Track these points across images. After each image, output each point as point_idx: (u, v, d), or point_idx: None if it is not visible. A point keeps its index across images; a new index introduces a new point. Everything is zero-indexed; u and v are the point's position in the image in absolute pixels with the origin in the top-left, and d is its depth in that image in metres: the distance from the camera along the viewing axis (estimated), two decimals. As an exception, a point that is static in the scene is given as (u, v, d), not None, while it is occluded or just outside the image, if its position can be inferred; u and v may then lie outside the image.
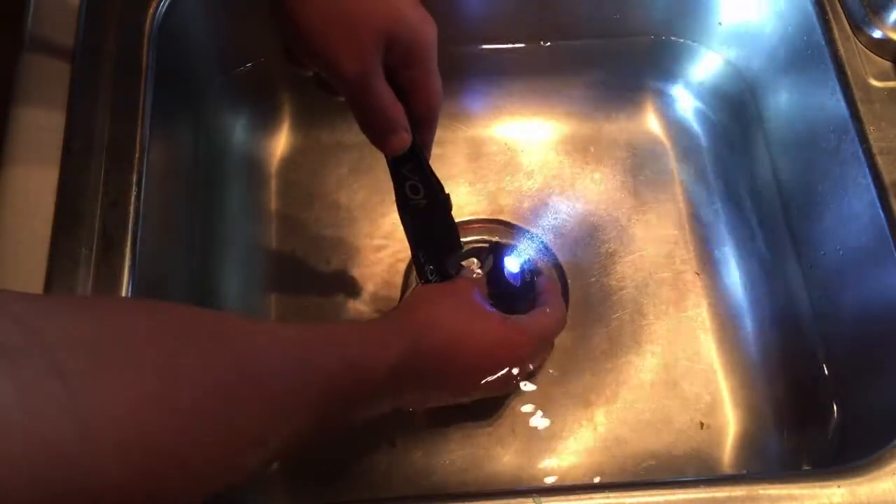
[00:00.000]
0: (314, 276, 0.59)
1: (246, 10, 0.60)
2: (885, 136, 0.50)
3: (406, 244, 0.49)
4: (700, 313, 0.58)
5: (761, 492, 0.40)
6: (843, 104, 0.51)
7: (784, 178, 0.59)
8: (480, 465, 0.52)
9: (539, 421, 0.53)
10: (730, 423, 0.54)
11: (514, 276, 0.54)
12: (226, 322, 0.35)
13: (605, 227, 0.61)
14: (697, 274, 0.59)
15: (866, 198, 0.49)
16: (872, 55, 0.53)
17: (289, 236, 0.60)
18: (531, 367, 0.50)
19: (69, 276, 0.44)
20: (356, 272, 0.59)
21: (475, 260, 0.58)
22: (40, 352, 0.25)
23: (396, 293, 0.58)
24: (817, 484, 0.40)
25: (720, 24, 0.62)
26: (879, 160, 0.49)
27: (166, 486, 0.28)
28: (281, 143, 0.64)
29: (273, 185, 0.62)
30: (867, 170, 0.49)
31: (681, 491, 0.40)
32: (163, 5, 0.53)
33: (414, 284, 0.57)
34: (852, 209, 0.51)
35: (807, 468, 0.52)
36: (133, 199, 0.47)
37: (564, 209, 0.61)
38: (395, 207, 0.48)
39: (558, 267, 0.59)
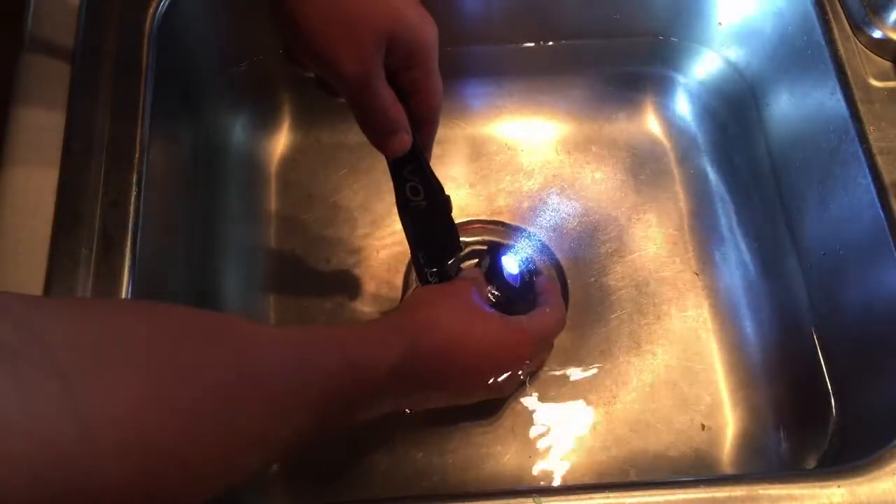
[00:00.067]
0: (314, 276, 0.59)
1: (246, 9, 0.60)
2: (885, 136, 0.50)
3: (406, 245, 0.50)
4: (700, 313, 0.58)
5: (761, 492, 0.40)
6: (843, 104, 0.51)
7: (784, 177, 0.59)
8: (480, 465, 0.52)
9: (539, 421, 0.53)
10: (730, 423, 0.54)
11: (514, 276, 0.54)
12: (225, 322, 0.35)
13: (605, 226, 0.61)
14: (697, 274, 0.59)
15: (866, 198, 0.49)
16: (872, 55, 0.53)
17: (288, 236, 0.60)
18: (531, 367, 0.50)
19: (69, 276, 0.44)
20: (356, 272, 0.59)
21: (475, 260, 0.58)
22: (40, 352, 0.25)
23: (397, 293, 0.58)
24: (817, 484, 0.40)
25: (720, 24, 0.62)
26: (879, 160, 0.49)
27: (166, 486, 0.28)
28: (281, 143, 0.64)
29: (273, 185, 0.62)
30: (867, 170, 0.49)
31: (681, 491, 0.40)
32: (163, 5, 0.53)
33: (414, 285, 0.57)
34: (852, 209, 0.51)
35: (807, 468, 0.52)
36: (133, 199, 0.47)
37: (564, 209, 0.61)
38: (395, 208, 0.48)
39: (558, 267, 0.59)
